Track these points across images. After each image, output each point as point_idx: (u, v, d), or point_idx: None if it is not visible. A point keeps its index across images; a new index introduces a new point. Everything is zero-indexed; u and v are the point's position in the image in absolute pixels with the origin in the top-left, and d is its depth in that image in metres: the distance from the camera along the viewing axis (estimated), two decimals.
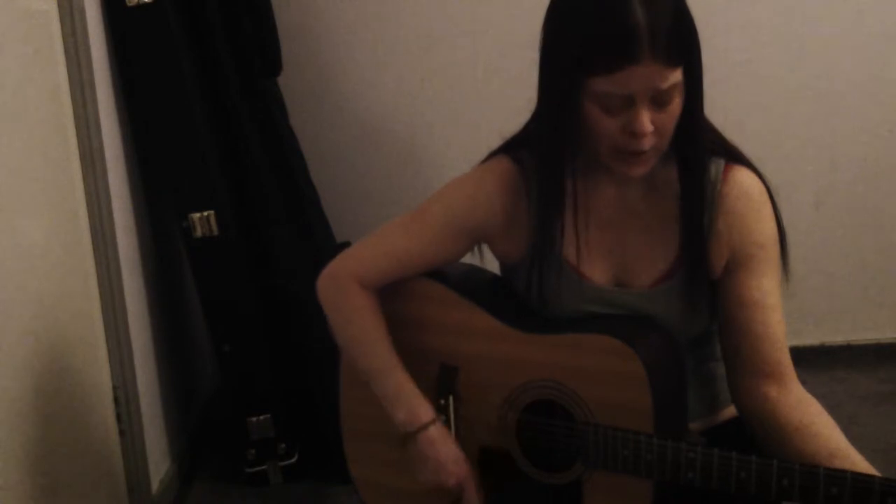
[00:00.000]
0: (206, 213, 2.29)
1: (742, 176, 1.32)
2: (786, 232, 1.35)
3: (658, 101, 1.20)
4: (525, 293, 1.38)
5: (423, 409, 1.37)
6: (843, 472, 1.13)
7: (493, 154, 1.41)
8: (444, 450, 1.36)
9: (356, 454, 1.53)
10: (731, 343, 1.34)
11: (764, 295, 1.31)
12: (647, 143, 1.22)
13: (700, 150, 1.30)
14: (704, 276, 1.32)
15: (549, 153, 1.31)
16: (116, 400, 2.10)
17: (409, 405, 1.37)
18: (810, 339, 3.00)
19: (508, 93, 2.70)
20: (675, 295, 1.33)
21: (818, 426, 1.26)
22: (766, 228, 1.33)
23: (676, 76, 1.19)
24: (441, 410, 1.41)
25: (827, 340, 3.03)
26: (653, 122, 1.20)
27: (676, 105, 1.22)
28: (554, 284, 1.34)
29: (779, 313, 1.32)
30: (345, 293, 1.42)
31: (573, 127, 1.25)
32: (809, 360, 2.94)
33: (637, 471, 1.25)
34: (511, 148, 1.39)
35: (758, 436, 1.31)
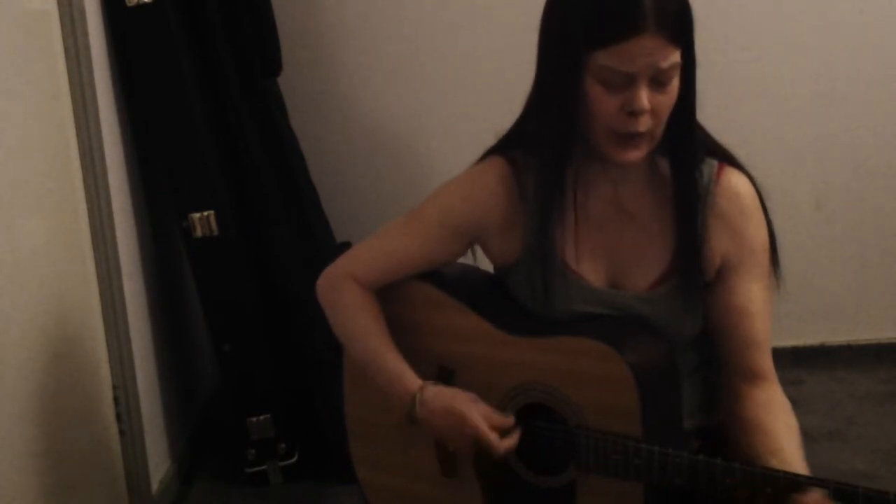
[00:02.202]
0: (206, 213, 2.29)
1: (734, 179, 1.32)
2: (776, 237, 1.35)
3: (657, 81, 1.21)
4: (521, 294, 1.38)
5: (410, 381, 1.36)
6: (827, 481, 1.13)
7: (487, 154, 1.41)
8: (441, 411, 1.33)
9: (362, 457, 1.53)
10: (715, 343, 1.36)
11: (750, 301, 1.33)
12: (644, 124, 1.22)
13: (693, 145, 1.30)
14: (700, 279, 1.33)
15: (549, 141, 1.31)
16: (116, 400, 2.10)
17: (399, 385, 1.36)
18: (810, 339, 3.00)
19: (509, 93, 2.70)
20: (670, 298, 1.33)
21: (773, 426, 1.28)
22: (757, 233, 1.33)
23: (676, 57, 1.21)
24: None
25: (827, 340, 3.02)
26: (650, 103, 1.21)
27: (674, 89, 1.23)
28: (551, 285, 1.34)
29: (763, 319, 1.33)
30: (341, 292, 1.42)
31: (573, 109, 1.25)
32: (809, 360, 2.95)
33: (627, 475, 1.25)
34: (505, 147, 1.39)
35: (726, 432, 1.34)
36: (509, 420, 1.32)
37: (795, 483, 1.15)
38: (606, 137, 1.25)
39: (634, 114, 1.21)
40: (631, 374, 1.24)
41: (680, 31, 1.20)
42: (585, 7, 1.21)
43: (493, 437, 1.29)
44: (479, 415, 1.31)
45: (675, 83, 1.23)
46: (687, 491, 1.22)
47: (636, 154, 1.26)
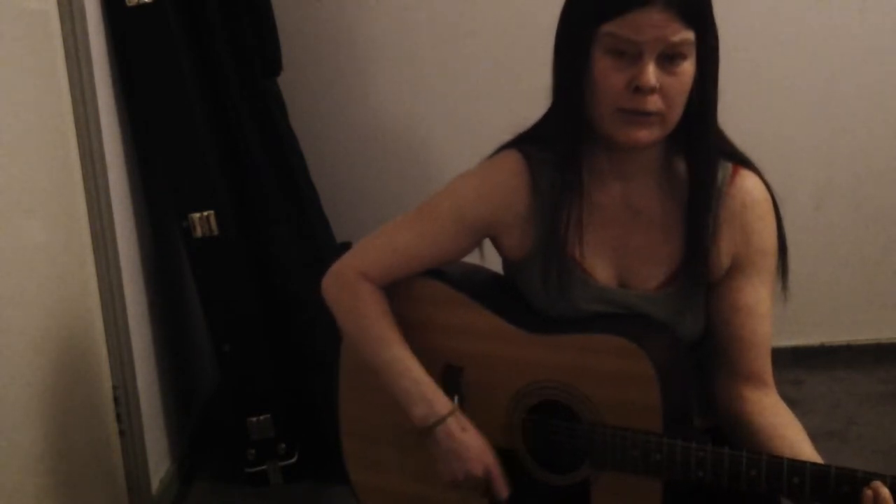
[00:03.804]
0: (206, 213, 2.29)
1: (749, 181, 1.32)
2: (787, 243, 1.35)
3: (667, 58, 1.20)
4: (531, 290, 1.37)
5: (440, 402, 1.34)
6: (854, 470, 1.14)
7: (501, 148, 1.40)
8: (465, 440, 1.32)
9: (356, 458, 1.51)
10: (718, 344, 1.35)
11: (758, 302, 1.33)
12: (653, 103, 1.21)
13: (710, 147, 1.29)
14: (707, 279, 1.33)
15: (562, 132, 1.30)
16: (116, 400, 2.10)
17: (425, 399, 1.34)
18: (810, 339, 3.00)
19: (509, 92, 2.70)
20: (678, 298, 1.33)
21: (786, 430, 1.28)
22: (768, 236, 1.33)
23: (687, 36, 1.20)
24: None
25: (827, 340, 3.03)
26: (660, 84, 1.20)
27: (686, 73, 1.22)
28: (561, 281, 1.34)
29: (768, 322, 1.34)
30: (350, 290, 1.39)
31: (584, 92, 1.24)
32: (809, 360, 2.95)
33: (646, 471, 1.25)
34: (519, 143, 1.38)
35: (730, 434, 1.34)
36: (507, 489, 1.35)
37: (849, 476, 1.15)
38: (614, 118, 1.24)
39: (641, 90, 1.20)
40: (653, 370, 1.24)
41: (692, 10, 1.19)
42: None
43: (503, 483, 1.33)
44: (494, 458, 1.33)
45: (688, 67, 1.22)
46: (706, 485, 1.21)
47: (645, 134, 1.23)
